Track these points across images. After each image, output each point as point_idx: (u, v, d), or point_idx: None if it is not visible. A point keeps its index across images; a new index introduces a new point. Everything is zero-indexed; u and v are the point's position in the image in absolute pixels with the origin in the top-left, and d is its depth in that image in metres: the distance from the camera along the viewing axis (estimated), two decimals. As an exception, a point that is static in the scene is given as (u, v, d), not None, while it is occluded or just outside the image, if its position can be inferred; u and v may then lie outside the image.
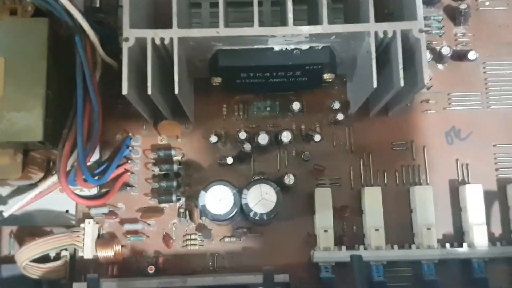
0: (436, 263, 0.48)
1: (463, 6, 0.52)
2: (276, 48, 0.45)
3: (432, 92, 0.53)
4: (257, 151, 0.52)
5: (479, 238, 0.48)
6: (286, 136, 0.50)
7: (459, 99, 0.53)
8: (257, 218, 0.40)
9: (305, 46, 0.44)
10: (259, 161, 0.52)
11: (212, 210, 0.41)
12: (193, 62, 0.48)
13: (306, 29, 0.42)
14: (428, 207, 0.49)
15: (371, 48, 0.41)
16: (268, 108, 0.52)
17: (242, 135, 0.50)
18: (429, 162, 0.52)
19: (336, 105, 0.51)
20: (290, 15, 0.42)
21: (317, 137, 0.51)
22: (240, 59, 0.44)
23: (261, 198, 0.41)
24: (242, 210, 0.41)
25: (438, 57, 0.53)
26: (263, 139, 0.50)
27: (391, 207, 0.51)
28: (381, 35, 0.42)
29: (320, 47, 0.44)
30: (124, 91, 0.42)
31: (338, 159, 0.52)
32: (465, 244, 0.48)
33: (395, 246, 0.48)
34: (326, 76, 0.48)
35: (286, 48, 0.44)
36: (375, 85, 0.41)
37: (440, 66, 0.54)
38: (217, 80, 0.47)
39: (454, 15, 0.54)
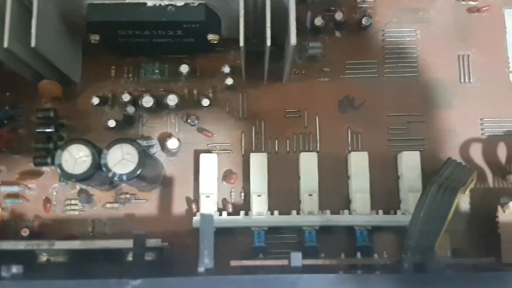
0: (317, 230, 0.48)
1: (357, -28, 0.52)
2: (149, 3, 0.43)
3: (328, 60, 0.52)
4: (147, 114, 0.51)
5: (361, 206, 0.48)
6: (171, 99, 0.48)
7: (355, 67, 0.52)
8: (116, 178, 0.39)
9: (180, 3, 0.43)
10: (148, 125, 0.51)
11: (68, 169, 0.39)
12: (72, 18, 0.46)
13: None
14: (312, 174, 0.48)
15: (240, 5, 0.40)
16: (156, 71, 0.50)
17: (126, 97, 0.48)
18: (321, 131, 0.51)
19: (226, 70, 0.50)
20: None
21: (205, 102, 0.49)
22: (111, 14, 0.42)
23: (122, 159, 0.39)
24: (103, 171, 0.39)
25: (335, 24, 0.52)
26: (147, 101, 0.48)
27: (280, 174, 0.50)
28: (253, -10, 0.41)
29: (195, 4, 0.43)
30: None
31: (230, 125, 0.51)
32: (346, 211, 0.48)
33: (276, 212, 0.47)
34: (210, 37, 0.46)
35: (160, 4, 0.43)
36: (241, 44, 0.40)
37: (337, 33, 0.53)
38: (94, 38, 0.45)
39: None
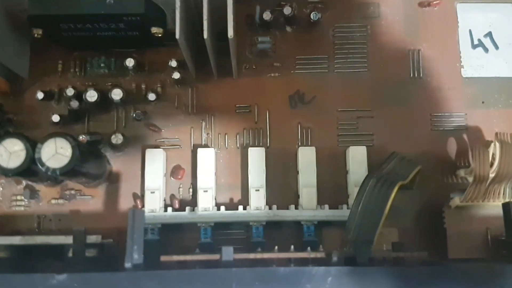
0: (265, 225, 0.47)
1: (310, -33, 0.51)
2: (89, -4, 0.43)
3: (279, 55, 0.52)
4: (95, 109, 0.50)
5: (308, 201, 0.47)
6: (116, 94, 0.48)
7: (305, 62, 0.52)
8: (49, 173, 0.38)
9: (119, -5, 0.43)
10: (95, 121, 0.50)
11: (3, 164, 0.38)
12: (15, 13, 0.46)
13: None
14: (260, 169, 0.48)
15: (176, -3, 0.40)
16: (102, 65, 0.50)
17: (70, 91, 0.48)
18: (272, 126, 0.51)
19: (173, 64, 0.49)
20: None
21: (151, 96, 0.49)
22: (51, 7, 0.42)
23: (55, 153, 0.39)
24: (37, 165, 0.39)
25: (285, 18, 0.52)
26: (91, 96, 0.48)
27: (229, 169, 0.50)
28: (187, -16, 0.40)
29: (135, -3, 0.43)
30: None
31: (179, 120, 0.51)
32: (292, 206, 0.48)
33: (222, 208, 0.47)
34: (154, 30, 0.46)
35: (99, -3, 0.43)
36: (177, 36, 0.39)
37: (288, 28, 0.52)
38: (37, 32, 0.45)
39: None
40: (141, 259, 0.35)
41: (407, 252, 0.42)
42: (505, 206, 0.39)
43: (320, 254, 0.41)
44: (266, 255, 0.39)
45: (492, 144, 0.44)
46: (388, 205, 0.40)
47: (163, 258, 0.38)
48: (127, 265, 0.34)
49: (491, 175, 0.44)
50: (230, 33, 0.40)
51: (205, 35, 0.40)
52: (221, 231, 0.48)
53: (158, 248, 0.46)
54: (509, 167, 0.41)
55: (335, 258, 0.36)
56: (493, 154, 0.43)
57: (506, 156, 0.41)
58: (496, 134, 0.46)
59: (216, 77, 0.51)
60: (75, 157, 0.39)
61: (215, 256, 0.37)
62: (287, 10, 0.50)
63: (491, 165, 0.44)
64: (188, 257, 0.38)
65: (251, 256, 0.38)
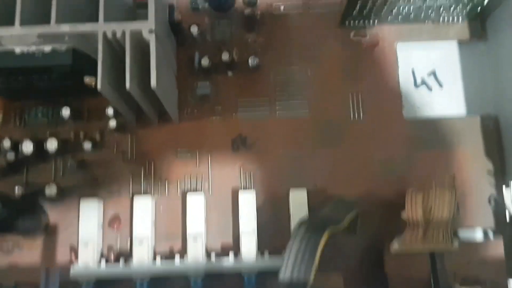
0: (204, 277, 0.46)
1: (247, 12, 0.51)
2: (18, 50, 0.43)
3: (221, 99, 0.51)
4: (33, 160, 0.49)
5: (247, 249, 0.46)
6: (51, 145, 0.48)
7: (247, 106, 0.52)
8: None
9: (48, 48, 0.43)
10: (34, 171, 0.49)
11: None
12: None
13: (37, 30, 0.40)
14: (199, 216, 0.47)
15: (99, 47, 0.40)
16: (39, 115, 0.50)
17: (6, 143, 0.47)
18: (213, 170, 0.50)
19: (110, 111, 0.49)
20: (17, 18, 0.40)
21: (87, 146, 0.48)
22: (-20, 62, 0.42)
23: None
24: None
25: (224, 63, 0.52)
26: (27, 147, 0.47)
27: (170, 216, 0.48)
28: (109, 35, 0.40)
29: (63, 49, 0.43)
30: None
31: (118, 167, 0.50)
32: (231, 254, 0.46)
33: (158, 258, 0.46)
34: (87, 79, 0.46)
35: (28, 50, 0.43)
36: (99, 87, 0.39)
37: (229, 72, 0.52)
38: (-32, 84, 0.45)
39: (248, 21, 0.53)
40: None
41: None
42: (432, 256, 0.37)
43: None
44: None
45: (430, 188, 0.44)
46: (318, 253, 0.38)
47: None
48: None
49: (434, 219, 0.43)
50: (153, 83, 0.39)
51: (128, 86, 0.39)
52: (159, 285, 0.47)
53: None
54: (443, 212, 0.40)
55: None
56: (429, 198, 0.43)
57: (439, 201, 0.40)
58: (434, 178, 0.45)
59: (157, 122, 0.51)
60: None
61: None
62: (225, 56, 0.50)
63: (430, 209, 0.43)
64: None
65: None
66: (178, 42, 0.53)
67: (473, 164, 0.50)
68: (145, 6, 0.43)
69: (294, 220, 0.47)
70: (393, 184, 0.49)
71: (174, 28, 0.50)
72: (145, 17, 0.41)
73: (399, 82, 0.52)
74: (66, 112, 0.48)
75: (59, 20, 0.40)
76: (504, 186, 0.47)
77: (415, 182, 0.49)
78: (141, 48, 0.43)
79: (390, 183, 0.49)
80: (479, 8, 0.50)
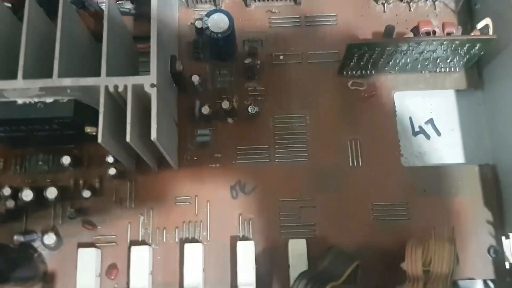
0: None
1: (247, 61, 0.52)
2: (20, 101, 0.43)
3: (220, 146, 0.52)
4: (32, 207, 0.49)
5: (246, 302, 0.46)
6: (51, 193, 0.48)
7: (246, 152, 0.52)
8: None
9: (49, 99, 0.43)
10: (32, 218, 0.49)
11: None
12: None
13: (39, 84, 0.41)
14: (197, 266, 0.47)
15: (101, 100, 0.40)
16: (40, 163, 0.50)
17: (6, 191, 0.48)
18: (212, 218, 0.50)
19: (110, 159, 0.49)
20: (20, 71, 0.41)
21: (86, 193, 0.48)
22: (-18, 113, 0.43)
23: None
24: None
25: (224, 111, 0.52)
26: (26, 195, 0.47)
27: (167, 266, 0.48)
28: (111, 89, 0.41)
29: (65, 100, 0.43)
30: None
31: (117, 215, 0.50)
32: (230, 308, 0.46)
33: (156, 310, 0.46)
34: (88, 129, 0.46)
35: (30, 101, 0.43)
36: (99, 140, 0.40)
37: (230, 120, 0.53)
38: (-27, 135, 0.46)
39: (248, 70, 0.53)
40: None
41: None
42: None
43: None
44: None
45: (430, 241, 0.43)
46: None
47: None
48: None
49: (434, 273, 0.42)
50: (154, 136, 0.40)
51: (128, 139, 0.40)
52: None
53: None
54: (443, 266, 0.40)
55: None
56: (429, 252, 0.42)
57: (439, 255, 0.40)
58: (433, 229, 0.45)
59: (156, 169, 0.51)
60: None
61: None
62: (225, 105, 0.51)
63: (429, 262, 0.43)
64: None
65: None
66: (179, 89, 0.54)
67: (472, 214, 0.50)
68: (147, 54, 0.45)
69: (293, 271, 0.46)
70: (392, 232, 0.49)
71: (176, 78, 0.51)
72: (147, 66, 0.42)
73: (397, 130, 0.53)
74: (66, 161, 0.49)
75: (62, 74, 0.41)
76: (503, 238, 0.47)
77: (415, 230, 0.49)
78: (141, 99, 0.44)
79: (389, 231, 0.49)
80: (476, 59, 0.51)
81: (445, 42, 0.47)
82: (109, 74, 0.42)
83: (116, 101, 0.43)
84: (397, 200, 0.50)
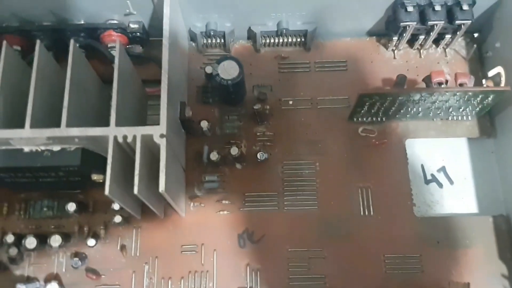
0: None
1: (256, 107, 0.52)
2: (26, 149, 0.43)
3: (228, 192, 0.51)
4: (34, 253, 0.48)
5: None
6: (54, 241, 0.47)
7: (255, 199, 0.51)
8: None
9: (56, 148, 0.43)
10: (35, 265, 0.48)
11: None
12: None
13: (47, 133, 0.40)
14: (202, 321, 0.45)
15: (109, 150, 0.40)
16: (45, 209, 0.49)
17: (9, 238, 0.47)
18: (219, 267, 0.49)
19: (116, 207, 0.48)
20: (28, 120, 0.41)
21: (90, 242, 0.47)
22: (-15, 160, 0.42)
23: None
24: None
25: (233, 157, 0.51)
26: (30, 243, 0.46)
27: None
28: (120, 139, 0.40)
29: (72, 149, 0.43)
30: None
31: (121, 264, 0.48)
32: None
33: None
34: (94, 177, 0.46)
35: (37, 149, 0.43)
36: (106, 192, 0.39)
37: (238, 165, 0.52)
38: (-23, 180, 0.45)
39: (257, 115, 0.53)
40: None
41: None
42: None
43: None
44: None
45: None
46: None
47: None
48: None
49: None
50: (162, 188, 0.39)
51: (136, 191, 0.39)
52: None
53: None
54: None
55: None
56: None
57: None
58: (449, 283, 0.43)
59: (163, 216, 0.50)
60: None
61: None
62: (234, 151, 0.50)
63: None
64: None
65: None
66: (187, 133, 0.54)
67: (486, 266, 0.48)
68: (156, 97, 0.44)
69: (302, 326, 0.45)
70: (406, 285, 0.47)
71: (185, 123, 0.51)
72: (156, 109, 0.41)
73: (409, 178, 0.52)
74: (71, 208, 0.48)
75: (70, 123, 0.41)
76: (520, 294, 0.46)
77: (428, 284, 0.47)
78: (150, 148, 0.43)
79: (403, 284, 0.47)
80: (489, 109, 0.51)
81: (458, 93, 0.47)
82: (118, 123, 0.41)
83: (124, 150, 0.43)
84: (410, 251, 0.49)
